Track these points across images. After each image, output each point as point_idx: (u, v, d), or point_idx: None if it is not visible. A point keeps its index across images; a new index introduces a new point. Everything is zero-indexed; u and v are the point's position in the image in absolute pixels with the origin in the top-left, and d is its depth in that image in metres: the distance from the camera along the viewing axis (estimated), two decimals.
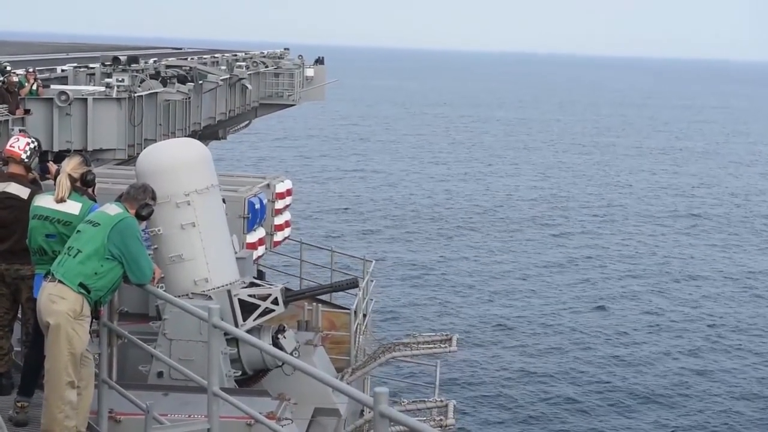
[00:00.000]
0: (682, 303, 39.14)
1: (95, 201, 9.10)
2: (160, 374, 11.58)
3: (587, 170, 79.49)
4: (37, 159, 9.49)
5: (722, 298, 40.27)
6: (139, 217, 8.52)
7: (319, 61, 42.28)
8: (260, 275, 15.14)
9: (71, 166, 8.84)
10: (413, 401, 15.73)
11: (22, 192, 9.26)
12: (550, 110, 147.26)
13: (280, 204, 15.94)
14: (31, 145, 9.38)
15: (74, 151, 18.83)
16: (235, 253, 12.63)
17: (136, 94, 21.62)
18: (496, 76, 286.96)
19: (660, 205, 62.88)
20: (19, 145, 9.35)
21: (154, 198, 8.74)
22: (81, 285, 8.04)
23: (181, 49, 53.61)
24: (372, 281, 18.47)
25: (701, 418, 27.47)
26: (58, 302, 8.01)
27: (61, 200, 8.64)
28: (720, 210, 61.97)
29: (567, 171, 78.64)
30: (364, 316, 17.38)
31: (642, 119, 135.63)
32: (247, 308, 12.03)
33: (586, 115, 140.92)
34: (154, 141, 20.34)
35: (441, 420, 14.99)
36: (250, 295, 12.08)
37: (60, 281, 8.04)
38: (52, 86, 22.06)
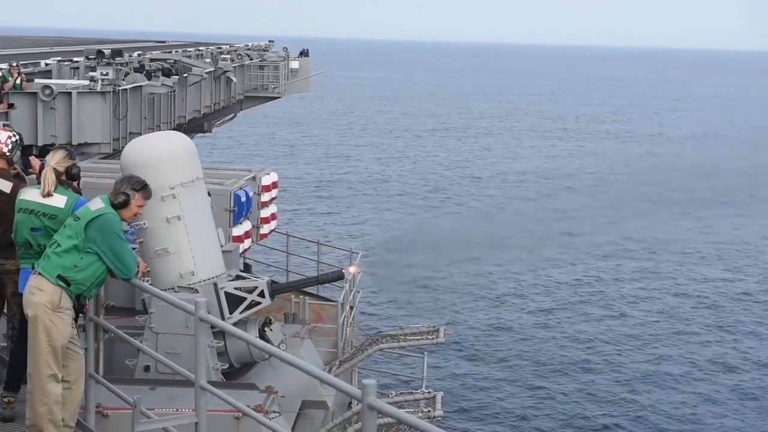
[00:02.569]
0: (678, 296, 39.23)
1: (80, 194, 9.05)
2: (147, 368, 11.59)
3: (585, 159, 79.47)
4: (19, 153, 9.42)
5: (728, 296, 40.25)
6: (115, 206, 8.31)
7: (304, 53, 42.26)
8: (246, 268, 15.16)
9: (56, 159, 8.77)
10: (401, 393, 15.75)
11: (5, 186, 9.19)
12: (547, 100, 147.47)
13: (266, 197, 15.94)
14: (13, 139, 9.30)
15: (59, 145, 18.75)
16: (221, 246, 12.62)
17: (120, 88, 21.54)
18: (479, 67, 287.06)
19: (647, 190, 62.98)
20: (0, 138, 9.29)
21: (137, 188, 8.45)
22: (59, 277, 8.05)
23: (165, 42, 53.38)
24: (359, 273, 18.46)
25: (689, 415, 27.55)
26: (37, 294, 8.05)
27: (47, 194, 8.60)
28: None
29: (561, 160, 78.57)
30: (351, 308, 17.38)
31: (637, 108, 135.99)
32: (234, 301, 12.04)
33: (600, 105, 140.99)
34: (139, 134, 20.25)
35: (429, 411, 15.01)
36: (236, 288, 12.08)
37: (40, 274, 8.09)
38: (36, 80, 21.95)
